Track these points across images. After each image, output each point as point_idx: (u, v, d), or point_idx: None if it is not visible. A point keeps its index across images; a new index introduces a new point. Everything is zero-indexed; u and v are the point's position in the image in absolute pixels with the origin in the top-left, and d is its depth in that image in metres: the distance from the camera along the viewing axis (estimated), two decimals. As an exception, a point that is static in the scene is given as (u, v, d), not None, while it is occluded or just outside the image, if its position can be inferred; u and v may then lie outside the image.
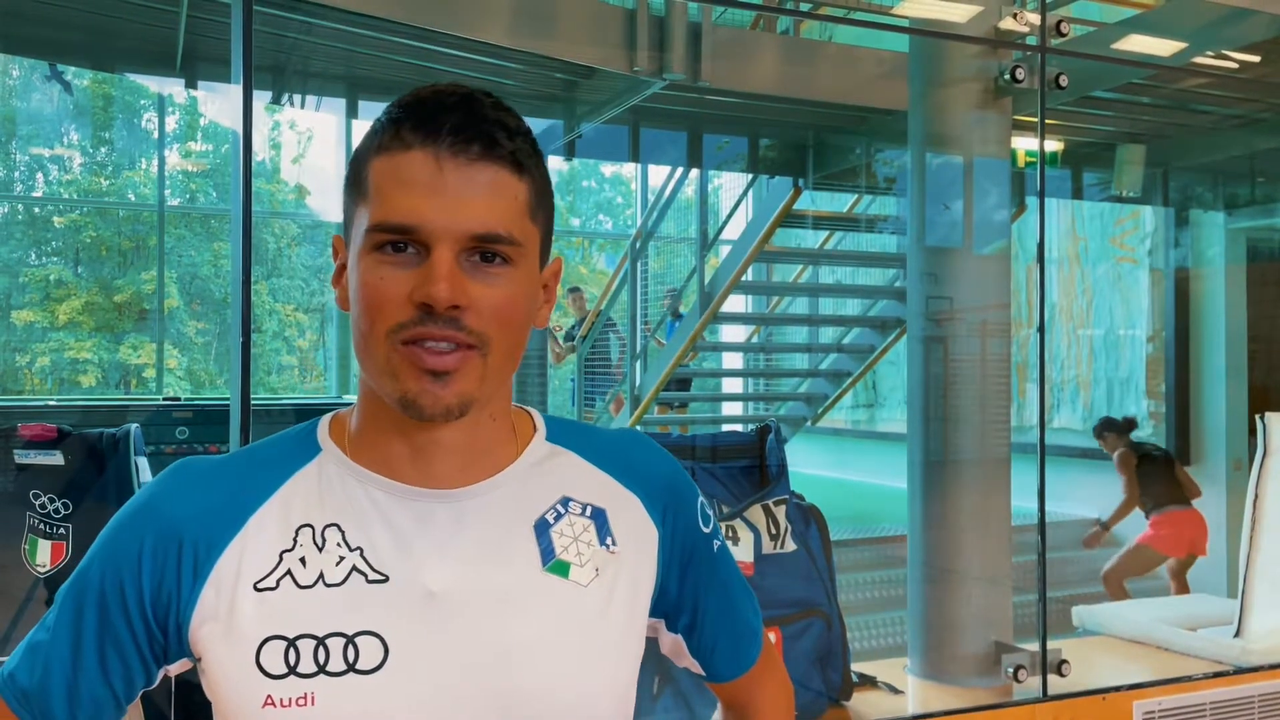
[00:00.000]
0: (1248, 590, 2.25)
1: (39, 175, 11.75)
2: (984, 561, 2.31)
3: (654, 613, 0.91)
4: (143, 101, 11.68)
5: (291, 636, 0.78)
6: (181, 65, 4.69)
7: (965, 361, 2.47)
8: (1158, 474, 5.01)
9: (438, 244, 0.74)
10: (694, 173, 6.19)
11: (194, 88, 5.99)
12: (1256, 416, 2.33)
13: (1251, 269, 6.01)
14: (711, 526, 0.94)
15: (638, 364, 6.42)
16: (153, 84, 10.98)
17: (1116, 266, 6.58)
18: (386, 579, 0.79)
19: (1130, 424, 5.24)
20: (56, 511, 1.86)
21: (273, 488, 0.83)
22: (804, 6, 4.70)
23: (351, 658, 0.77)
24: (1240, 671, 2.19)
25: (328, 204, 10.66)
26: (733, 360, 7.59)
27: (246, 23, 1.77)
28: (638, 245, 6.58)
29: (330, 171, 10.33)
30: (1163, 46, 3.33)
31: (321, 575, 0.79)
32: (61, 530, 1.84)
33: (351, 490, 0.82)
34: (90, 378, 11.15)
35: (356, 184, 0.80)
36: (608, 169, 14.70)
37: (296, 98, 5.97)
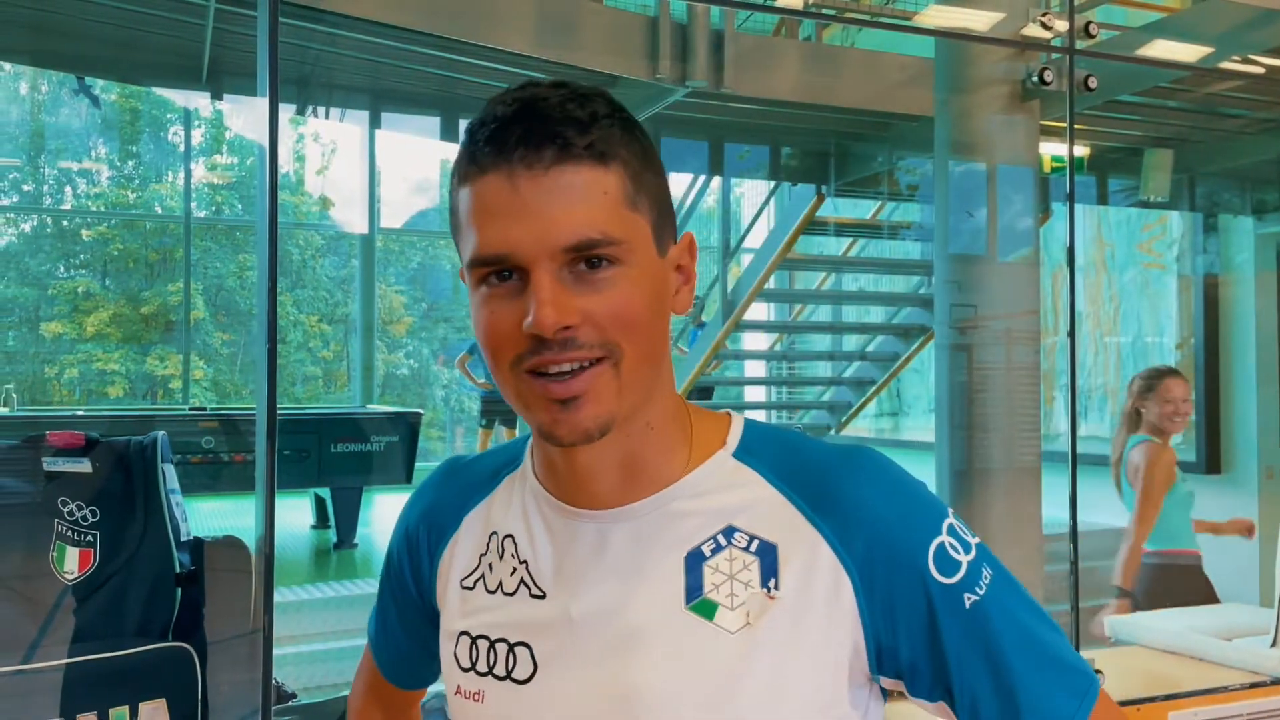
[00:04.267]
0: (1285, 599, 2.20)
1: (67, 189, 11.90)
2: (1015, 571, 2.28)
3: (886, 672, 0.76)
4: (169, 115, 11.81)
5: (474, 634, 0.81)
6: (207, 78, 4.74)
7: (993, 369, 2.44)
8: None
9: (533, 267, 0.70)
10: (715, 181, 6.18)
11: (220, 100, 6.05)
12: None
13: (1282, 274, 5.93)
14: (961, 574, 0.73)
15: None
16: (178, 97, 11.11)
17: (1144, 272, 6.51)
18: (544, 596, 0.78)
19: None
20: (85, 519, 1.86)
21: (486, 492, 0.86)
22: (827, 12, 4.70)
23: (510, 665, 0.78)
24: (1277, 682, 2.15)
25: (351, 215, 10.73)
26: (755, 368, 7.57)
27: (272, 35, 1.78)
28: (660, 254, 6.58)
29: (354, 183, 10.40)
30: (1189, 51, 3.30)
31: (501, 583, 0.80)
32: (89, 538, 1.85)
33: (528, 504, 0.82)
34: (118, 389, 11.27)
35: (453, 218, 0.77)
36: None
37: (320, 109, 6.02)
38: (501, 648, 0.78)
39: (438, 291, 13.74)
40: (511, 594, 0.79)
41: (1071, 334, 2.40)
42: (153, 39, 4.80)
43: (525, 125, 0.70)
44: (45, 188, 11.65)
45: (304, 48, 4.86)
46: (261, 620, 1.86)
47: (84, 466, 1.95)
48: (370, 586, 5.07)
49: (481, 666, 0.79)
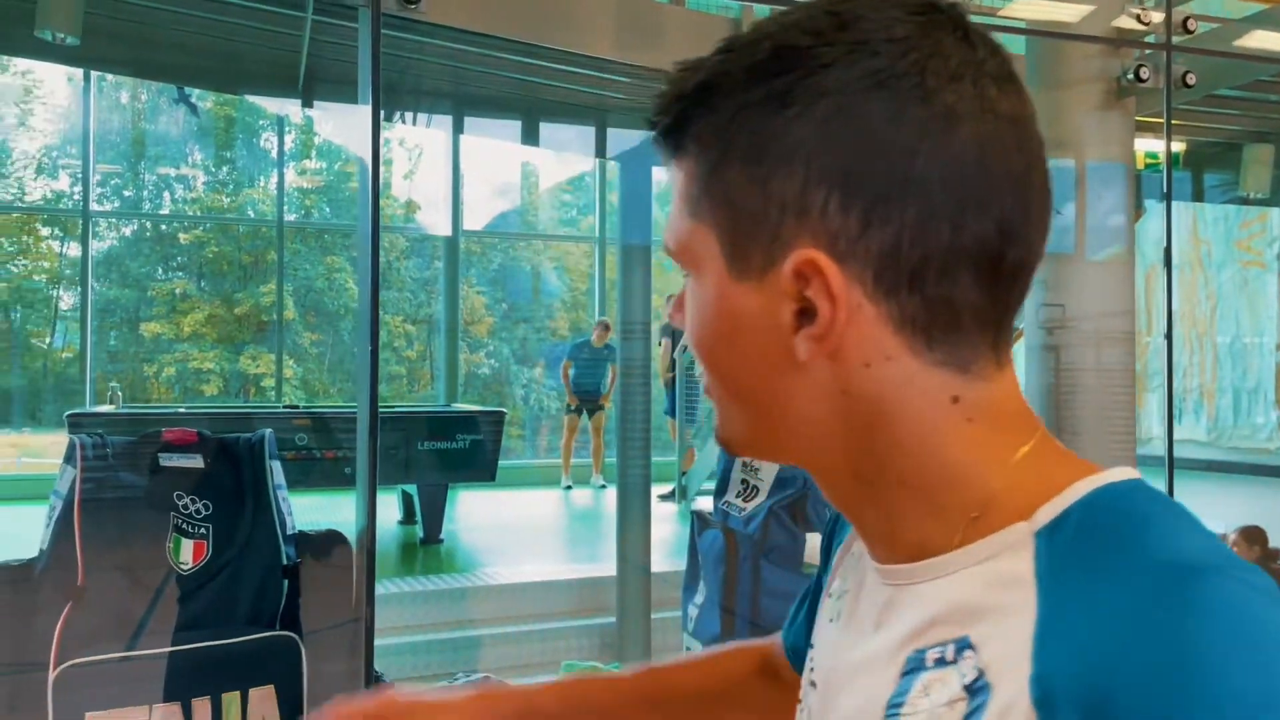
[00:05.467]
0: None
1: (165, 194, 12.38)
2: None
3: None
4: (261, 121, 12.20)
5: (811, 652, 0.70)
6: (299, 87, 4.89)
7: (1083, 370, 2.40)
8: None
9: None
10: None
11: (310, 107, 6.24)
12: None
13: (1392, 272, 5.66)
14: None
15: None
16: (270, 104, 11.47)
17: (1242, 271, 6.29)
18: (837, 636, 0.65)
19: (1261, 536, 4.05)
20: (198, 512, 1.96)
21: None
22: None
23: (805, 702, 0.67)
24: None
25: (435, 218, 10.95)
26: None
27: (375, 45, 1.84)
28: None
29: (438, 186, 10.61)
30: (1292, 41, 3.18)
31: (825, 604, 0.69)
32: (202, 530, 1.95)
33: None
34: (212, 387, 11.69)
35: None
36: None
37: (407, 115, 6.16)
38: (805, 673, 0.68)
39: (518, 292, 13.92)
40: (830, 622, 0.66)
41: (1169, 334, 2.35)
42: (251, 49, 4.98)
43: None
44: (145, 193, 12.14)
45: (394, 55, 4.98)
46: (362, 611, 1.93)
47: (196, 462, 2.05)
48: (455, 582, 5.18)
49: (802, 691, 0.68)
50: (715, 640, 2.31)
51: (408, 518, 6.60)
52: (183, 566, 1.90)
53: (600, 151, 6.11)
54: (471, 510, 7.54)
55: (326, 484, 5.24)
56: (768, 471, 2.33)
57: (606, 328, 8.98)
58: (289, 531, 2.03)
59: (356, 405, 2.05)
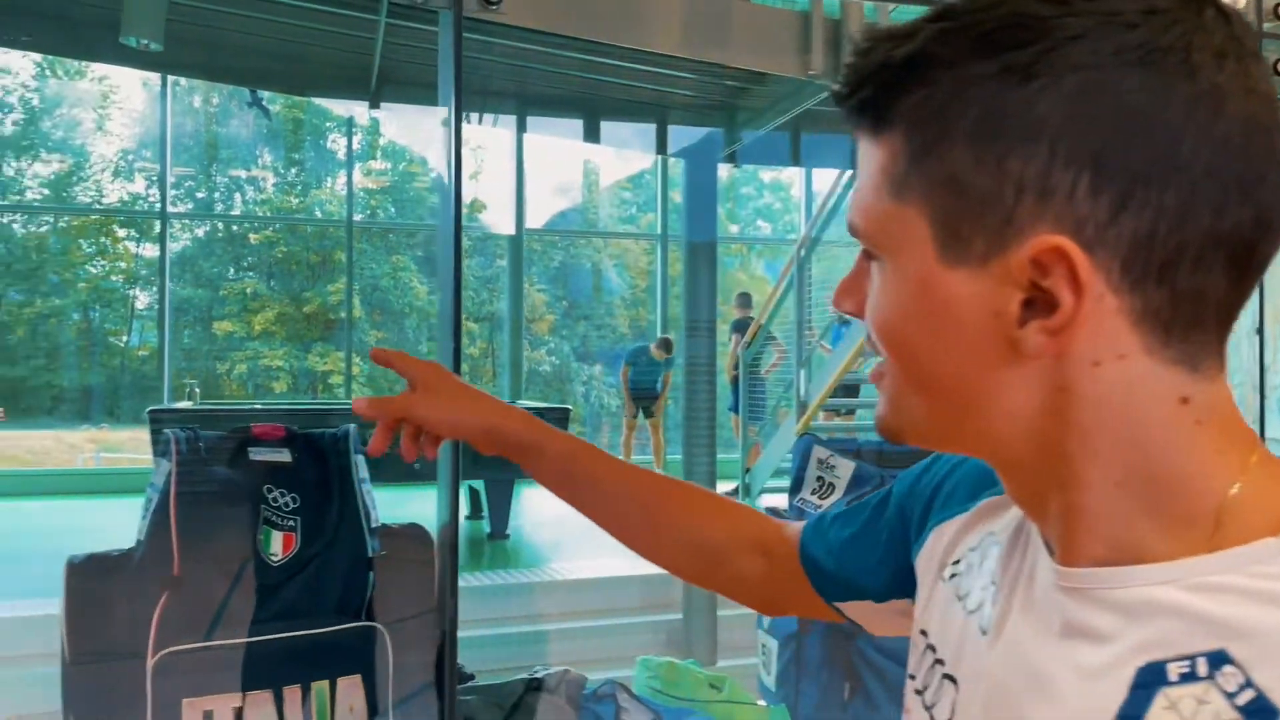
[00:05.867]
0: None
1: (236, 196, 12.68)
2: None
3: None
4: (328, 124, 12.44)
5: (929, 639, 0.66)
6: (371, 89, 4.98)
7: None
8: None
9: None
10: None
11: (376, 108, 6.34)
12: None
13: None
14: None
15: (803, 371, 6.37)
16: (336, 106, 11.69)
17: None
18: (984, 634, 0.60)
19: None
20: (286, 505, 2.00)
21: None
22: None
23: (935, 696, 0.63)
24: None
25: (498, 217, 11.05)
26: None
27: (456, 46, 1.87)
28: (803, 251, 6.53)
29: (502, 185, 10.71)
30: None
31: (969, 593, 0.63)
32: (290, 523, 1.99)
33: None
34: (282, 384, 11.95)
35: None
36: (767, 174, 14.66)
37: (472, 115, 6.23)
38: (937, 671, 0.64)
39: (578, 290, 14.01)
40: (971, 613, 0.62)
41: (1260, 329, 2.28)
42: (322, 52, 5.08)
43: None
44: (216, 195, 12.45)
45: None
46: (446, 603, 1.96)
47: (284, 456, 2.10)
48: (523, 576, 5.23)
49: (921, 681, 0.65)
50: (790, 638, 2.31)
51: (474, 512, 6.68)
52: (272, 558, 1.94)
53: (661, 148, 6.11)
54: (535, 506, 7.59)
55: (395, 479, 5.30)
56: (844, 469, 2.32)
57: (668, 347, 9.01)
58: (373, 524, 2.07)
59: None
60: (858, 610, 0.79)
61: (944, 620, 0.65)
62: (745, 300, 8.84)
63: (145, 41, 3.69)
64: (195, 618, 1.85)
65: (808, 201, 11.11)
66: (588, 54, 4.73)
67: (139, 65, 5.82)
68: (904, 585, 0.73)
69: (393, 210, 13.01)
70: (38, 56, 11.33)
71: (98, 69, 11.38)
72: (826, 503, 2.35)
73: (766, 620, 2.42)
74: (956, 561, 0.66)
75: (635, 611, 4.99)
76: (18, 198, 11.42)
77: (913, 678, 0.66)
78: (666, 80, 5.22)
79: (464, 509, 6.92)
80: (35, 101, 11.75)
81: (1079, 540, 0.53)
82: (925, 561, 0.69)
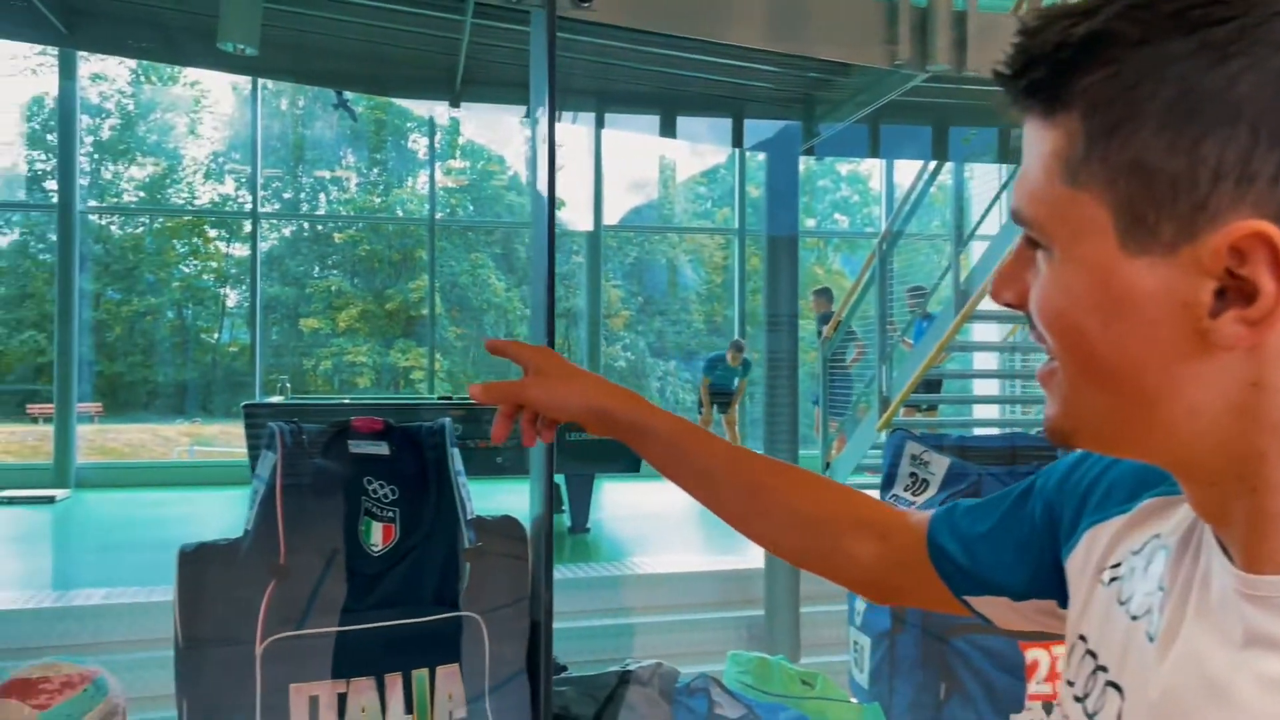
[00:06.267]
0: None
1: (321, 196, 12.99)
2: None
3: None
4: (408, 124, 12.66)
5: (1089, 645, 0.63)
6: (455, 89, 5.05)
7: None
8: None
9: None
10: (945, 167, 5.99)
11: (457, 107, 6.44)
12: None
13: None
14: None
15: (884, 366, 6.28)
16: (417, 107, 11.89)
17: None
18: (1152, 641, 0.57)
19: None
20: (385, 497, 2.05)
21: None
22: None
23: (1097, 703, 0.60)
24: None
25: (576, 213, 11.13)
26: (986, 360, 7.28)
27: (550, 45, 1.88)
28: (884, 245, 6.45)
29: (580, 182, 10.79)
30: None
31: (1131, 598, 0.61)
32: (390, 514, 2.03)
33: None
34: (365, 379, 12.22)
35: None
36: (844, 167, 14.50)
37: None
38: (1099, 678, 0.61)
39: (653, 286, 14.03)
40: (1135, 619, 0.59)
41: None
42: (408, 53, 5.17)
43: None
44: (302, 195, 12.77)
45: (526, 52, 5.08)
46: (541, 595, 1.99)
47: (382, 449, 2.14)
48: (604, 570, 5.26)
49: (1079, 688, 0.62)
50: (883, 635, 2.28)
51: (555, 507, 6.74)
52: (373, 548, 1.98)
53: (737, 142, 6.08)
54: (614, 500, 7.64)
55: (479, 473, 5.39)
56: (938, 465, 2.28)
57: (740, 349, 9.05)
58: (469, 516, 2.10)
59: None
60: (990, 606, 0.76)
61: (1105, 625, 0.62)
62: (826, 295, 8.76)
63: (241, 46, 3.80)
64: (301, 605, 1.90)
65: (888, 194, 10.95)
66: (668, 49, 4.73)
67: (232, 69, 6.00)
68: (1046, 584, 0.71)
69: (471, 208, 13.19)
70: (133, 63, 11.77)
71: (189, 74, 11.77)
72: (920, 499, 2.32)
73: (858, 617, 2.40)
74: (1116, 565, 0.63)
75: (715, 607, 4.98)
76: (115, 200, 11.88)
77: (1070, 684, 0.64)
78: (746, 74, 5.19)
79: (544, 503, 6.98)
80: (131, 107, 12.19)
81: (1268, 546, 0.51)
82: (1079, 563, 0.67)
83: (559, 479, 6.51)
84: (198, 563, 1.90)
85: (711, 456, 0.89)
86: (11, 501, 7.69)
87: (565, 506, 6.29)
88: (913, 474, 2.36)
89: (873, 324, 6.40)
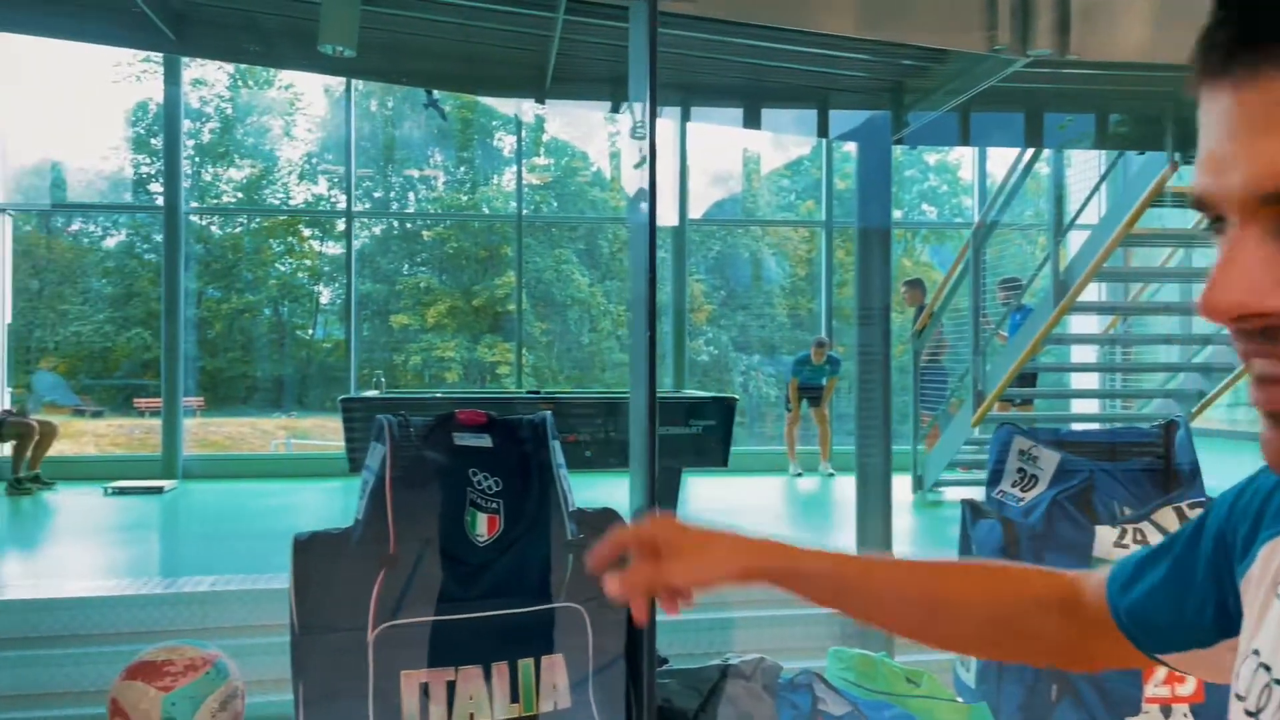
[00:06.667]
0: None
1: (410, 194, 13.25)
2: None
3: None
4: (494, 122, 12.83)
5: (1262, 658, 0.59)
6: (545, 85, 5.09)
7: None
8: None
9: (1228, 216, 0.47)
10: (1041, 154, 5.83)
11: (542, 104, 6.49)
12: None
13: None
14: None
15: (979, 359, 6.14)
16: (502, 105, 12.04)
17: None
18: None
19: None
20: (489, 488, 2.08)
21: None
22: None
23: (1274, 717, 0.57)
24: None
25: (661, 209, 11.13)
26: (1084, 354, 7.07)
27: (651, 40, 1.88)
28: (978, 236, 6.30)
29: (665, 176, 10.80)
30: None
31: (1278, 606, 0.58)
32: (494, 505, 2.06)
33: None
34: (454, 374, 12.43)
35: None
36: (932, 156, 14.22)
37: (635, 106, 6.27)
38: (1275, 691, 0.58)
39: (736, 279, 13.97)
40: None
41: None
42: (498, 51, 5.23)
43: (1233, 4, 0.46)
44: (392, 194, 13.05)
45: (620, 47, 5.08)
46: (644, 588, 1.99)
47: (486, 441, 2.17)
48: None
49: (1251, 701, 0.59)
50: (992, 633, 2.23)
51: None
52: (478, 539, 2.01)
53: (822, 132, 6.01)
54: (701, 495, 7.62)
55: (568, 466, 5.44)
56: (1047, 460, 2.22)
57: (822, 345, 8.95)
58: (570, 508, 2.12)
59: (630, 391, 2.11)
60: (1185, 660, 0.73)
61: (1279, 638, 0.59)
62: (919, 286, 8.58)
63: (340, 48, 3.90)
64: (410, 594, 1.94)
65: (981, 184, 10.70)
66: (754, 40, 4.69)
67: (330, 71, 6.15)
68: (1230, 621, 0.67)
69: (555, 204, 13.30)
70: (231, 68, 12.16)
71: (284, 78, 12.11)
72: (1029, 495, 2.26)
73: (964, 615, 2.35)
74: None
75: (805, 603, 4.94)
76: (215, 201, 12.29)
77: (1241, 698, 0.61)
78: (835, 63, 5.13)
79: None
80: (229, 111, 12.61)
81: None
82: (1255, 579, 0.63)
83: (646, 473, 6.52)
84: (311, 551, 1.95)
85: (874, 581, 0.87)
86: (123, 492, 8.04)
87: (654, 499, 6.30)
88: (1020, 470, 2.30)
89: (961, 317, 6.27)
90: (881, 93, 5.36)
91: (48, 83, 10.96)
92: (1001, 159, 6.80)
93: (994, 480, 2.38)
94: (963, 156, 13.62)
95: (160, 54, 9.79)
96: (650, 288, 1.94)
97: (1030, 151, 5.81)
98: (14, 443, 8.10)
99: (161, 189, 10.30)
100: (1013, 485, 2.32)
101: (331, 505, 7.34)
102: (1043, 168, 6.20)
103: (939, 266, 13.04)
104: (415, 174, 12.85)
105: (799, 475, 8.92)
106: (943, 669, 2.43)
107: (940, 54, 4.31)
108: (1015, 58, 3.64)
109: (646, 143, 1.97)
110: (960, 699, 2.25)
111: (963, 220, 13.32)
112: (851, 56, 4.96)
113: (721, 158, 12.83)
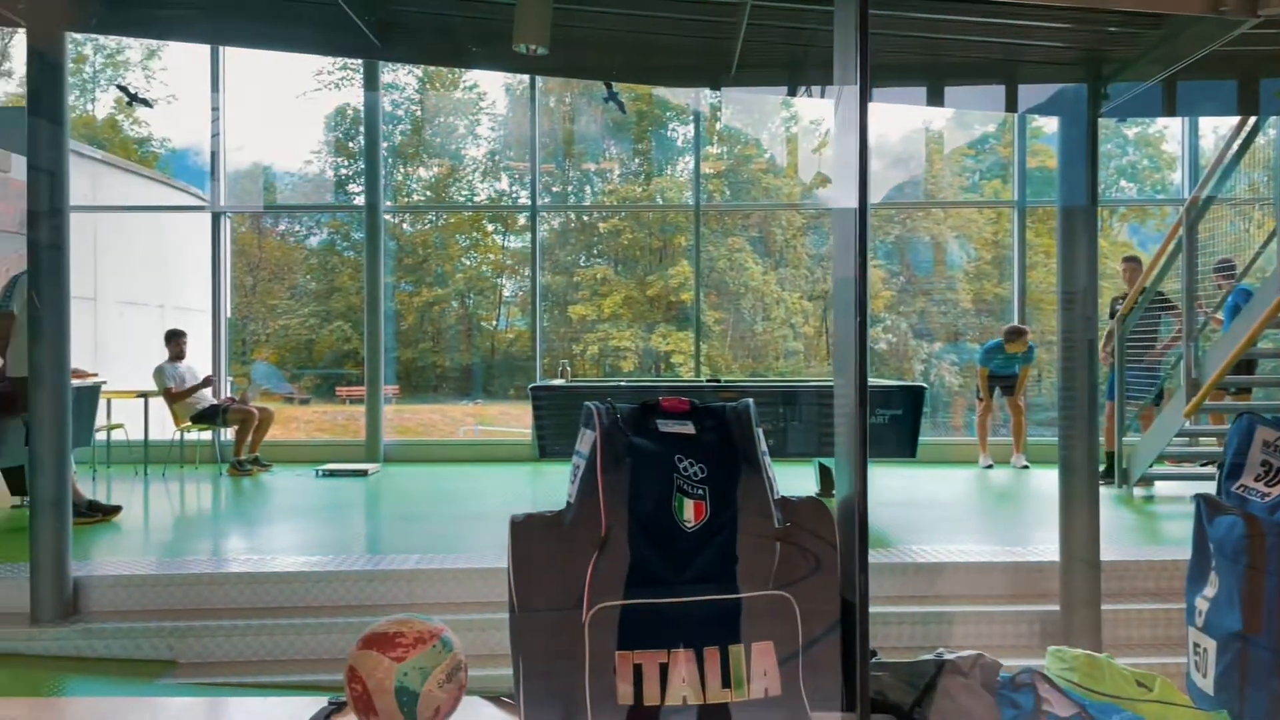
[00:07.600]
0: None
1: (586, 188, 13.53)
2: None
3: None
4: (667, 113, 12.91)
5: None
6: (730, 73, 5.08)
7: None
8: None
9: None
10: (1256, 124, 5.36)
11: (717, 90, 6.46)
12: None
13: None
14: None
15: (1193, 345, 5.73)
16: (676, 95, 12.09)
17: None
18: None
19: None
20: (695, 475, 2.09)
21: None
22: None
23: None
24: None
25: (838, 192, 10.94)
26: (1312, 339, 6.47)
27: (862, 22, 1.84)
28: (1192, 213, 5.86)
29: (844, 159, 10.58)
30: None
31: None
32: (700, 491, 2.08)
33: None
34: (629, 363, 12.63)
35: None
36: (1130, 130, 13.34)
37: (814, 89, 6.17)
38: None
39: (916, 264, 13.55)
40: None
41: None
42: (678, 41, 5.26)
43: None
44: (569, 188, 13.35)
45: (798, 29, 5.01)
46: (856, 577, 1.96)
47: (689, 428, 2.19)
48: (880, 556, 5.15)
49: None
50: (1233, 637, 2.08)
51: (825, 490, 6.68)
52: (686, 524, 2.03)
53: (1011, 107, 5.73)
54: (886, 485, 7.46)
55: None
56: (1296, 452, 2.04)
57: (1018, 334, 8.43)
58: (775, 496, 2.11)
59: (835, 379, 2.08)
60: None
61: None
62: (1138, 264, 7.88)
63: (533, 47, 4.01)
64: (621, 577, 1.98)
65: (1192, 157, 9.95)
66: (939, 14, 4.53)
67: (521, 70, 6.36)
68: None
69: (728, 193, 13.28)
70: (419, 72, 12.74)
71: (469, 79, 12.58)
72: (1276, 490, 2.09)
73: (1199, 617, 2.20)
74: None
75: (1001, 600, 4.75)
76: (406, 200, 12.93)
77: None
78: (1025, 33, 4.88)
79: (814, 486, 6.94)
80: (418, 112, 13.22)
81: None
82: None
83: (829, 462, 6.44)
84: (527, 533, 2.02)
85: None
86: (333, 474, 8.60)
87: (835, 490, 6.21)
88: (1265, 462, 2.13)
89: (1179, 300, 5.84)
90: (1075, 65, 5.07)
91: (257, 93, 11.82)
92: (1206, 130, 6.28)
93: (1233, 474, 2.21)
94: (1164, 129, 12.71)
95: (359, 61, 10.36)
96: (861, 271, 1.89)
97: (1252, 120, 5.36)
98: (236, 428, 8.80)
99: (359, 189, 10.92)
100: (1256, 479, 2.15)
101: (518, 489, 7.61)
102: (1261, 138, 5.70)
103: (1140, 246, 12.23)
104: (592, 167, 13.10)
105: (989, 467, 8.59)
106: (1171, 673, 2.29)
107: (1155, 19, 4.03)
108: (1243, 18, 3.35)
109: (856, 125, 1.92)
110: (1197, 706, 2.11)
111: (1164, 196, 12.45)
112: (1045, 26, 4.72)
113: (902, 138, 12.45)
